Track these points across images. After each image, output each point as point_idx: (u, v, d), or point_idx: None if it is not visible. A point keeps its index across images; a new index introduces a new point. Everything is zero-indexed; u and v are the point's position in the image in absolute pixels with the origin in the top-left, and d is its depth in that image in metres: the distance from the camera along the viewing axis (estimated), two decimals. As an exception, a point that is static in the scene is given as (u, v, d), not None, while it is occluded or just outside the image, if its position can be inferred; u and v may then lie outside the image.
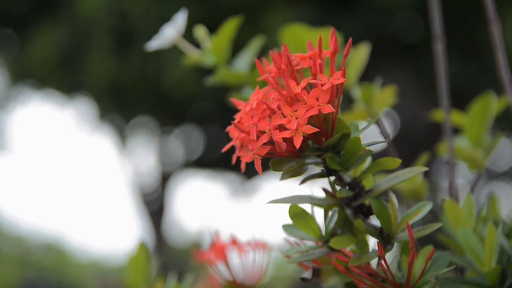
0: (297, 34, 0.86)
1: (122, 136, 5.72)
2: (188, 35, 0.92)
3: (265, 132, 0.53)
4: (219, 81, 0.90)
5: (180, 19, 0.88)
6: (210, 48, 0.90)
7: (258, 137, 0.53)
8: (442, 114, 0.86)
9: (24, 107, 5.91)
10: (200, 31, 0.91)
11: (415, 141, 4.08)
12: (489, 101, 0.86)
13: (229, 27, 0.89)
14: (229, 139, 0.58)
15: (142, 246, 0.86)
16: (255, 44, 0.90)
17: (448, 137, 0.84)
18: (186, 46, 0.90)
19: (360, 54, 0.88)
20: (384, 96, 0.89)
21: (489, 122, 0.86)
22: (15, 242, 7.60)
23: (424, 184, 0.91)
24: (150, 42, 0.89)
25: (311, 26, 0.87)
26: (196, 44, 0.92)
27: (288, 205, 0.59)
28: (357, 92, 0.89)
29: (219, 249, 0.83)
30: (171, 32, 0.88)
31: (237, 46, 1.08)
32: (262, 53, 0.88)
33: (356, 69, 0.88)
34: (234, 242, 0.83)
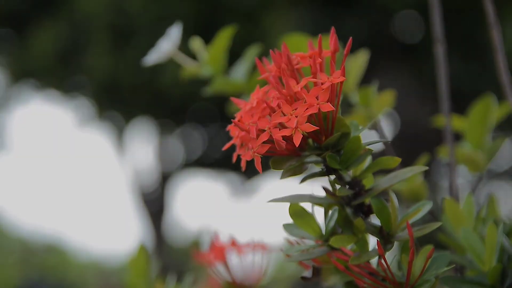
0: (297, 43, 0.85)
1: (122, 136, 5.72)
2: (188, 40, 0.92)
3: (265, 130, 0.53)
4: (216, 91, 0.90)
5: (175, 33, 0.87)
6: (206, 58, 0.88)
7: (258, 135, 0.53)
8: (443, 120, 0.86)
9: (24, 106, 5.92)
10: (196, 43, 0.90)
11: (415, 141, 4.07)
12: (489, 103, 0.86)
13: (224, 37, 0.88)
14: (229, 139, 0.58)
15: (142, 248, 0.86)
16: (252, 52, 0.88)
17: (449, 139, 0.83)
18: (183, 58, 0.89)
19: (359, 61, 0.87)
20: (383, 99, 0.89)
21: (490, 124, 0.86)
22: (16, 243, 7.61)
23: (424, 184, 0.91)
24: (146, 57, 0.88)
25: (311, 26, 0.86)
26: (193, 53, 0.92)
27: (288, 204, 0.59)
28: (355, 96, 0.89)
29: (219, 250, 0.83)
30: (167, 46, 0.87)
31: (238, 47, 1.08)
32: (264, 54, 0.87)
33: (355, 75, 0.88)
34: (234, 243, 0.83)
